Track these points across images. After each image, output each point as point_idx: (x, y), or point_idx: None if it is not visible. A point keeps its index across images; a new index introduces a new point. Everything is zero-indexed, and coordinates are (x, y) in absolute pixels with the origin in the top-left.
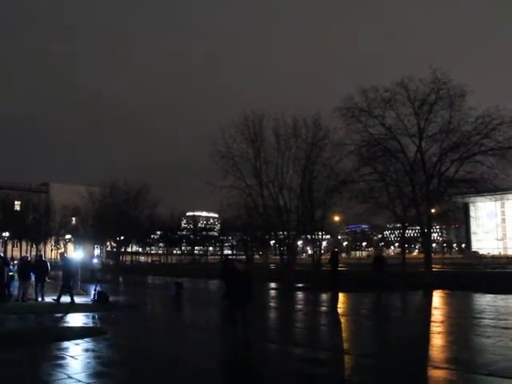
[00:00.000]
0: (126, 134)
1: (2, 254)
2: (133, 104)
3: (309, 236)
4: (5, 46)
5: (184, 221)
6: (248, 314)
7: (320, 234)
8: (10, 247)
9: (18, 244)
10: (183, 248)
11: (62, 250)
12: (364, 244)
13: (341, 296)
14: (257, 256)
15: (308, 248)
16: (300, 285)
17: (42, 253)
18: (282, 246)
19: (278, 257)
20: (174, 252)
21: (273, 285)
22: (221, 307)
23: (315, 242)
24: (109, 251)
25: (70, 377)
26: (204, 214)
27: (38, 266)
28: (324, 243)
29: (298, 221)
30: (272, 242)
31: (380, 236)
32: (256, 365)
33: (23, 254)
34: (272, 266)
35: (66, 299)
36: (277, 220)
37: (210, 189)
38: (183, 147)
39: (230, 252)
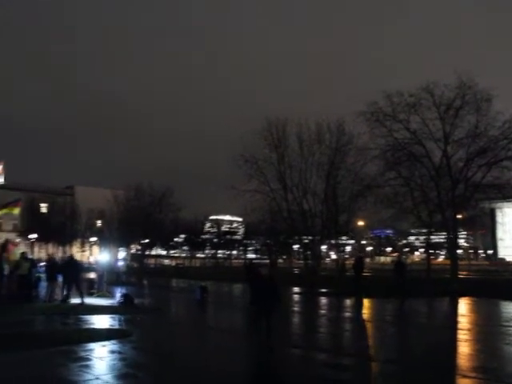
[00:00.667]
0: (152, 135)
1: (30, 256)
2: (158, 103)
3: (333, 241)
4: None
5: (208, 224)
6: (273, 319)
7: (344, 238)
8: (36, 249)
9: (45, 246)
10: (207, 251)
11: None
12: (389, 249)
13: (365, 302)
14: (280, 260)
15: (332, 253)
16: (324, 290)
17: (71, 254)
18: (306, 250)
19: (302, 261)
20: (198, 255)
21: (296, 289)
22: (246, 311)
23: (339, 246)
24: (133, 254)
25: (97, 378)
26: (228, 217)
27: (67, 267)
28: (348, 248)
29: (322, 225)
30: (296, 247)
31: (405, 241)
32: (279, 369)
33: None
34: (296, 271)
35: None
36: (301, 224)
37: (233, 193)
38: (207, 150)
39: (253, 256)
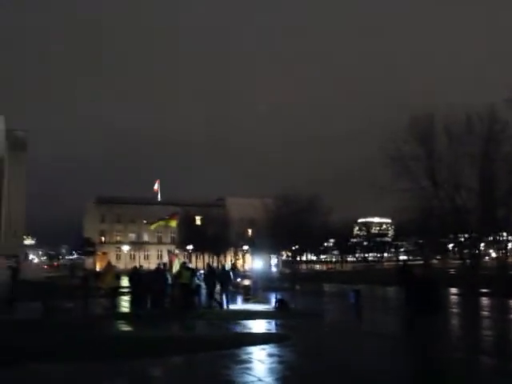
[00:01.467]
0: (296, 141)
1: (190, 265)
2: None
3: (491, 237)
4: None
5: (356, 227)
6: (436, 324)
7: (505, 234)
8: (194, 259)
9: (201, 256)
10: (357, 255)
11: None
12: None
13: None
14: (434, 261)
15: (491, 251)
16: (484, 290)
17: (225, 263)
18: (463, 249)
19: (458, 261)
20: (348, 259)
21: (453, 290)
22: (401, 315)
23: (499, 243)
24: (284, 260)
25: (259, 379)
26: (376, 219)
27: (222, 276)
28: (510, 245)
29: (478, 221)
30: (450, 246)
31: None
32: (439, 374)
33: (206, 264)
34: (452, 271)
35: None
36: (455, 221)
37: (381, 194)
38: (353, 152)
39: (405, 257)
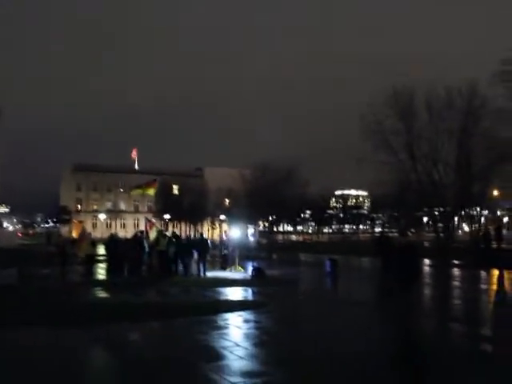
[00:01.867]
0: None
1: (167, 233)
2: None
3: (465, 212)
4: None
5: (333, 199)
6: (413, 291)
7: (478, 209)
8: (170, 228)
9: (178, 225)
10: (333, 226)
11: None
12: None
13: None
14: (409, 233)
15: (464, 225)
16: (456, 262)
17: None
18: (437, 222)
19: (432, 234)
20: (325, 230)
21: (427, 261)
22: (377, 284)
23: (472, 217)
24: (261, 231)
25: (237, 344)
26: (353, 192)
27: (199, 244)
28: (482, 219)
29: (454, 196)
30: (425, 219)
31: None
32: (413, 341)
33: (183, 233)
34: (426, 244)
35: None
36: (431, 196)
37: (359, 166)
38: (331, 124)
39: (380, 229)
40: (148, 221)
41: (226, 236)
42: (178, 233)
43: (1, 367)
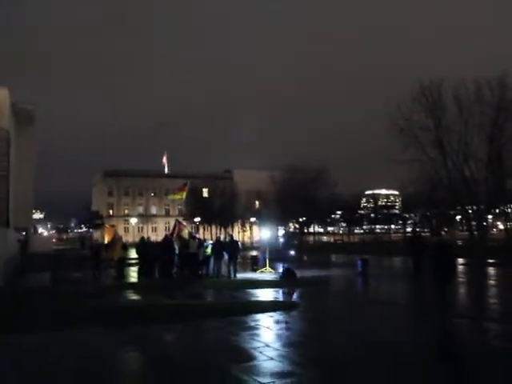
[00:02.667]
0: (303, 115)
1: (197, 236)
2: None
3: (499, 209)
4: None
5: (364, 199)
6: (449, 289)
7: None
8: (201, 231)
9: (208, 228)
10: (364, 227)
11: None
12: None
13: None
14: (442, 232)
15: (499, 223)
16: (491, 260)
17: (233, 234)
18: (470, 220)
19: (466, 233)
20: (356, 231)
21: (462, 260)
22: (410, 283)
23: (507, 215)
24: (292, 232)
25: (267, 345)
26: (384, 191)
27: (230, 246)
28: None
29: (487, 193)
30: (458, 218)
31: None
32: (448, 339)
33: (213, 236)
34: (459, 243)
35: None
36: (463, 193)
37: (389, 165)
38: (360, 124)
39: (411, 229)
40: (178, 223)
41: (257, 238)
42: (209, 236)
43: (39, 366)
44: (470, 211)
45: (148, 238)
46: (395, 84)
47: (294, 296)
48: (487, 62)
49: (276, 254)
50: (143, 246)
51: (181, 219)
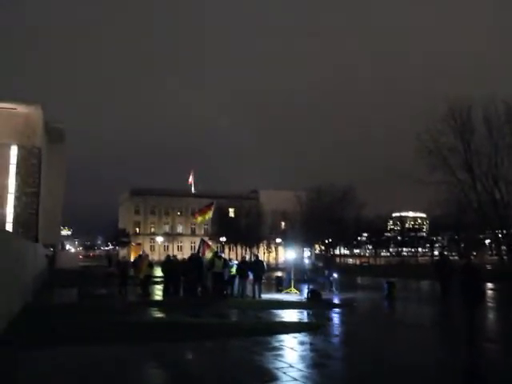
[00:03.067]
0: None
1: (223, 255)
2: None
3: None
4: None
5: (390, 222)
6: (477, 312)
7: None
8: (227, 250)
9: (234, 247)
10: (391, 249)
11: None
12: None
13: None
14: (471, 256)
15: None
16: None
17: (258, 254)
18: (500, 244)
19: (495, 257)
20: (382, 254)
21: (490, 285)
22: (436, 306)
23: None
24: (317, 254)
25: (291, 366)
26: (411, 214)
27: (255, 266)
28: None
29: None
30: (487, 242)
31: None
32: (474, 364)
33: (238, 256)
34: (488, 267)
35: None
36: (493, 216)
37: (417, 187)
38: (387, 145)
39: (439, 252)
40: (203, 242)
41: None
42: (234, 255)
43: (63, 381)
44: (500, 235)
45: (174, 256)
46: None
47: (319, 317)
48: None
49: (301, 276)
50: (169, 264)
51: (206, 239)
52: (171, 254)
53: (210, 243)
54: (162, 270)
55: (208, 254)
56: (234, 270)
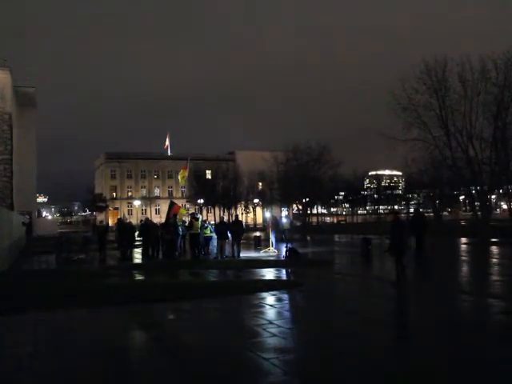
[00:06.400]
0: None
1: (200, 217)
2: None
3: (502, 190)
4: None
5: (367, 180)
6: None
7: None
8: (204, 212)
9: (212, 209)
10: (368, 208)
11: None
12: None
13: None
14: (445, 213)
15: (502, 203)
16: (494, 240)
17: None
18: (474, 201)
19: (469, 213)
20: (359, 212)
21: (464, 240)
22: (411, 260)
23: (511, 196)
24: (295, 213)
25: (270, 322)
26: (387, 172)
27: (234, 227)
28: None
29: (491, 173)
30: (461, 198)
31: None
32: (447, 316)
33: (217, 217)
34: (463, 223)
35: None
36: (467, 173)
37: (392, 145)
38: (362, 102)
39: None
40: (173, 204)
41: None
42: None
43: (48, 345)
44: (474, 191)
45: (146, 218)
46: (397, 59)
47: (297, 275)
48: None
49: (279, 235)
50: (145, 227)
51: (184, 201)
52: (144, 218)
53: (180, 205)
54: (140, 234)
55: (180, 216)
56: (208, 231)
